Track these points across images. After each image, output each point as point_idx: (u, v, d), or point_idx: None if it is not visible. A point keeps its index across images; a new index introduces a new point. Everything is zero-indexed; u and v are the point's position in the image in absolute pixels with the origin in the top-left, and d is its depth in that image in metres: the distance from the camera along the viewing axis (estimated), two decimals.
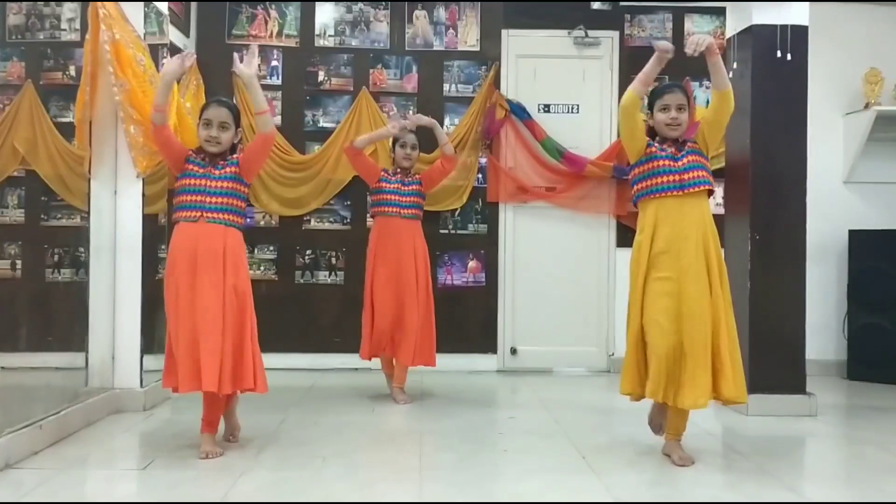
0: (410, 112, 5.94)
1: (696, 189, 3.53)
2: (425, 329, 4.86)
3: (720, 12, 6.22)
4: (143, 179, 4.59)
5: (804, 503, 3.15)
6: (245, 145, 4.01)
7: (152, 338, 4.80)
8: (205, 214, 3.60)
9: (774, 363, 4.68)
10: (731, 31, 5.00)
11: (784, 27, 4.69)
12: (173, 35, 5.62)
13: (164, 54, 4.97)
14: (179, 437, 3.98)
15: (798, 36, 4.70)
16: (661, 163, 3.55)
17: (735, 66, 4.88)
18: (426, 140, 5.14)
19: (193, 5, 6.03)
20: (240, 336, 3.59)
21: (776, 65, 4.71)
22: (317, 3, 6.18)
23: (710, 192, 3.65)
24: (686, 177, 3.52)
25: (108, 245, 4.55)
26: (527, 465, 3.59)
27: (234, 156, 3.74)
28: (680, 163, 3.55)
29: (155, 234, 4.98)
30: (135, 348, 4.58)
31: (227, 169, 3.68)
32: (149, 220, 4.79)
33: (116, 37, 4.29)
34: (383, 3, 6.19)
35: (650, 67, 3.52)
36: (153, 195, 4.95)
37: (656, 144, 3.62)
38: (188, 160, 3.70)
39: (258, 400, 4.85)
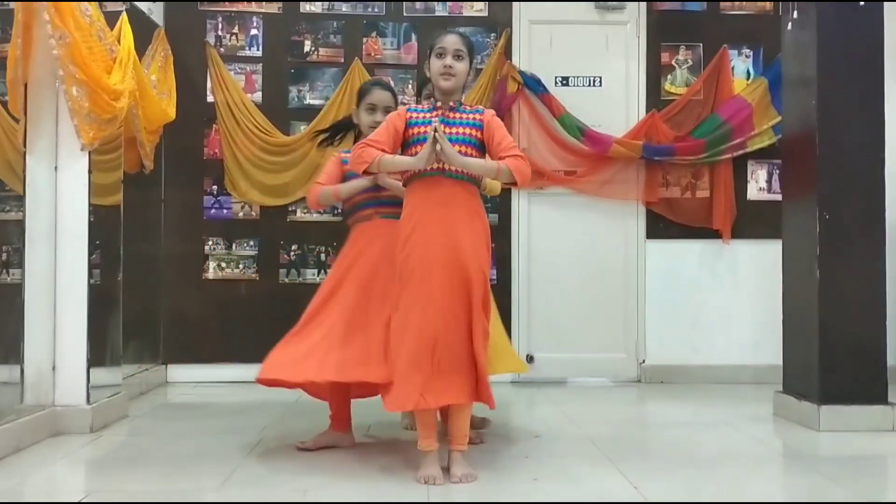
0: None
1: None
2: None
3: None
4: (89, 154, 3.81)
5: None
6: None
7: (103, 345, 4.02)
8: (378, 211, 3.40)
9: (849, 368, 3.91)
10: None
11: None
12: None
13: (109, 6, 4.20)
14: (132, 463, 3.26)
15: None
16: None
17: (795, 15, 4.11)
18: None
19: None
20: None
21: (846, 10, 3.94)
22: None
23: None
24: None
25: (46, 233, 3.77)
26: (565, 494, 2.81)
27: None
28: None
29: (111, 226, 4.21)
30: (80, 358, 3.79)
31: None
32: (104, 211, 4.04)
33: None
34: None
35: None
36: (110, 185, 4.19)
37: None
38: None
39: (232, 415, 4.08)
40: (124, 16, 4.16)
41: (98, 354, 3.94)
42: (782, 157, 4.42)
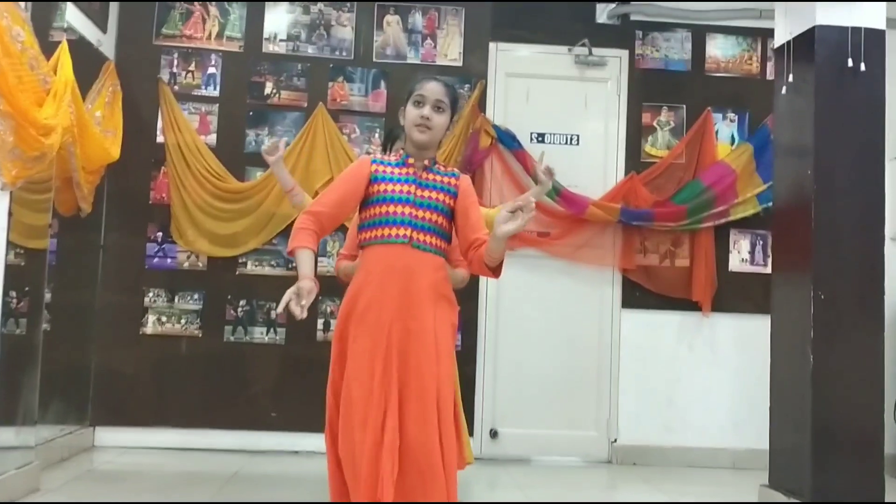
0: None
1: None
2: None
3: (746, 33, 5.30)
4: (11, 193, 3.39)
5: None
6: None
7: (15, 403, 3.58)
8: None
9: (844, 461, 3.58)
10: (782, 37, 3.98)
11: (856, 30, 3.70)
12: (86, 28, 4.52)
13: (52, 37, 3.83)
14: None
15: (873, 41, 3.71)
16: None
17: (790, 79, 3.85)
18: None
19: None
20: None
21: (845, 77, 3.69)
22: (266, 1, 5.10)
23: None
24: None
25: None
26: None
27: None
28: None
29: (35, 271, 3.79)
30: None
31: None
32: (29, 255, 3.64)
33: None
34: (348, 3, 5.12)
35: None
36: (38, 227, 3.78)
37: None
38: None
39: (163, 489, 3.64)
40: (64, 44, 3.78)
41: (8, 414, 3.48)
42: (773, 229, 4.13)
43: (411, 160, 2.64)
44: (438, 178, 2.64)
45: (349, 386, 2.49)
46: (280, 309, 2.32)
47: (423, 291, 2.53)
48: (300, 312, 2.30)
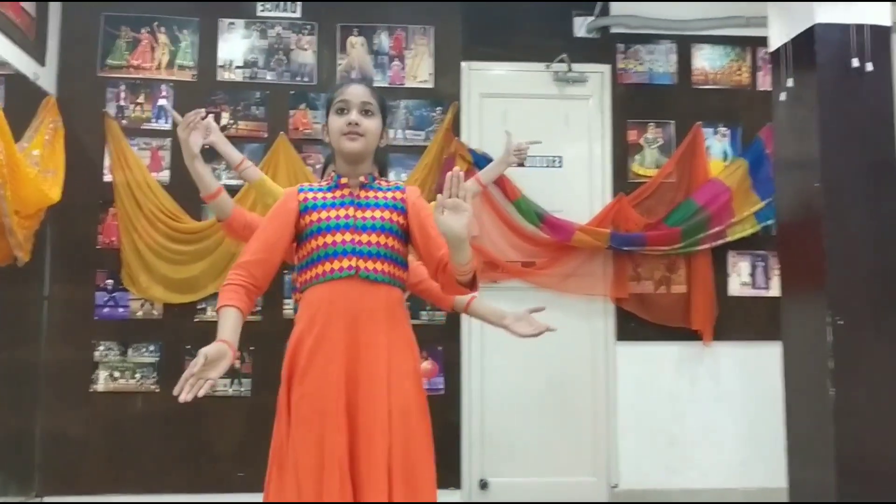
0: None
1: None
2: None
3: (734, 42, 4.99)
4: None
5: None
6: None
7: None
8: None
9: (872, 498, 3.19)
10: (778, 39, 3.65)
11: (860, 27, 3.37)
12: (21, 61, 4.16)
13: None
14: None
15: (878, 39, 3.37)
16: None
17: (790, 84, 3.51)
18: None
19: (52, 22, 4.52)
20: None
21: (850, 79, 3.35)
22: (220, 24, 4.73)
23: None
24: None
25: None
26: None
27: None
28: None
29: None
30: None
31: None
32: None
33: None
34: (308, 25, 4.77)
35: None
36: None
37: None
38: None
39: None
40: None
41: None
42: (778, 249, 3.77)
43: (344, 179, 2.26)
44: (381, 194, 2.27)
45: (295, 456, 2.09)
46: (176, 391, 1.88)
47: (374, 336, 2.14)
48: (186, 395, 1.85)
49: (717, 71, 4.97)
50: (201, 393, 1.87)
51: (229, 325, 2.06)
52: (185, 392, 1.85)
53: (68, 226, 4.46)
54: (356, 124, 2.21)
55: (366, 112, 2.24)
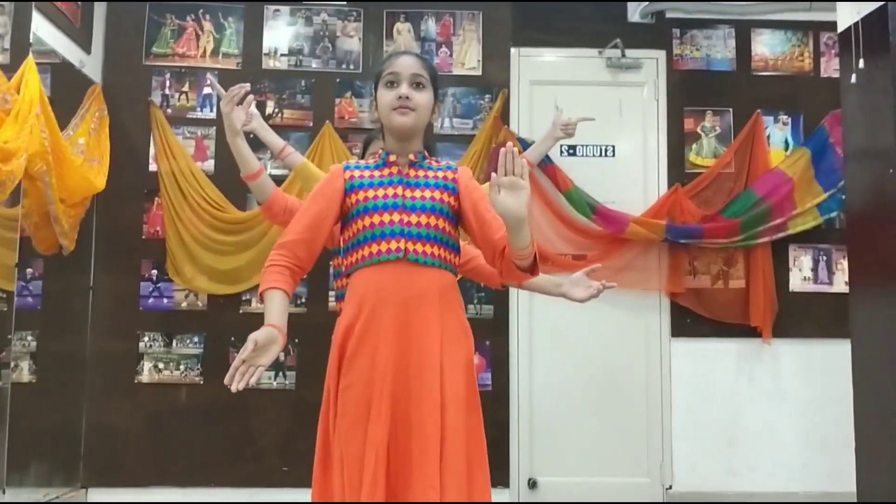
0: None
1: None
2: None
3: (795, 27, 4.78)
4: None
5: None
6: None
7: None
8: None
9: None
10: (848, 18, 3.45)
11: None
12: (68, 49, 4.11)
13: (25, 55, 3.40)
14: None
15: None
16: None
17: (861, 66, 3.31)
18: None
19: (98, 11, 4.48)
20: None
21: None
22: (265, 12, 4.65)
23: None
24: None
25: None
26: None
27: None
28: None
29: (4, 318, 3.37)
30: None
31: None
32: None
33: None
34: (354, 12, 4.67)
35: None
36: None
37: None
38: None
39: None
40: (29, 60, 3.35)
41: None
42: (847, 242, 3.56)
43: (393, 157, 2.15)
44: (431, 173, 2.16)
45: (342, 449, 2.00)
46: (227, 380, 1.80)
47: (426, 322, 2.03)
48: (238, 384, 1.79)
49: (777, 56, 4.76)
50: (253, 381, 1.81)
51: (276, 308, 1.98)
52: (237, 381, 1.78)
53: (113, 215, 4.42)
54: (407, 98, 2.09)
55: (417, 85, 2.13)
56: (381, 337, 2.01)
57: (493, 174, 1.91)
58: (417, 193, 2.10)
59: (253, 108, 2.97)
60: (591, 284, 2.57)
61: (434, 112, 2.19)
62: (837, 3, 3.57)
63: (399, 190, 2.10)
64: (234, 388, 1.79)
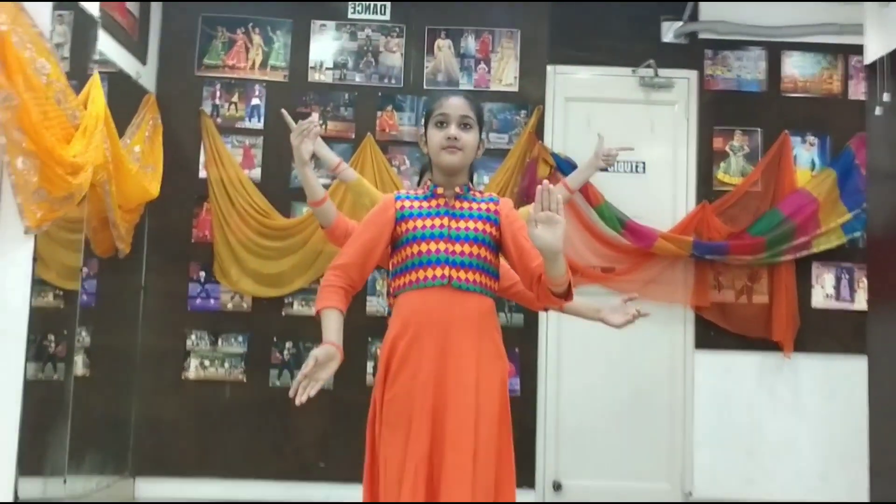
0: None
1: None
2: None
3: (826, 50, 4.89)
4: (35, 237, 3.17)
5: None
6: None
7: (42, 455, 3.38)
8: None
9: None
10: (875, 51, 3.59)
11: None
12: (124, 60, 4.33)
13: (90, 69, 3.63)
14: None
15: None
16: None
17: (886, 98, 3.45)
18: None
19: (154, 23, 4.71)
20: None
21: None
22: (312, 26, 4.86)
23: None
24: None
25: None
26: None
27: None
28: None
29: (66, 315, 3.59)
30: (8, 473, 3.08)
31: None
32: (61, 296, 3.51)
33: (2, 28, 2.93)
34: (397, 28, 4.87)
35: None
36: (67, 269, 3.58)
37: None
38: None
39: None
40: (95, 77, 3.58)
41: (35, 466, 3.29)
42: (868, 261, 3.71)
43: (440, 190, 2.34)
44: (475, 205, 2.35)
45: (384, 453, 2.20)
46: (291, 393, 2.02)
47: (463, 345, 2.22)
48: (301, 398, 2.02)
49: (807, 79, 4.89)
50: (313, 393, 2.01)
51: (333, 326, 2.19)
52: (300, 394, 1.98)
53: (165, 219, 4.65)
54: (455, 138, 2.29)
55: (465, 126, 2.31)
56: (424, 355, 2.21)
57: (530, 208, 2.09)
58: (462, 224, 2.29)
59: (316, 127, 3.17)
60: (628, 311, 2.76)
61: (479, 148, 2.38)
62: (865, 33, 3.71)
63: (445, 221, 2.29)
64: (297, 402, 2.00)
